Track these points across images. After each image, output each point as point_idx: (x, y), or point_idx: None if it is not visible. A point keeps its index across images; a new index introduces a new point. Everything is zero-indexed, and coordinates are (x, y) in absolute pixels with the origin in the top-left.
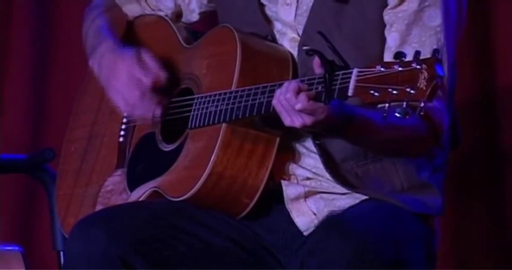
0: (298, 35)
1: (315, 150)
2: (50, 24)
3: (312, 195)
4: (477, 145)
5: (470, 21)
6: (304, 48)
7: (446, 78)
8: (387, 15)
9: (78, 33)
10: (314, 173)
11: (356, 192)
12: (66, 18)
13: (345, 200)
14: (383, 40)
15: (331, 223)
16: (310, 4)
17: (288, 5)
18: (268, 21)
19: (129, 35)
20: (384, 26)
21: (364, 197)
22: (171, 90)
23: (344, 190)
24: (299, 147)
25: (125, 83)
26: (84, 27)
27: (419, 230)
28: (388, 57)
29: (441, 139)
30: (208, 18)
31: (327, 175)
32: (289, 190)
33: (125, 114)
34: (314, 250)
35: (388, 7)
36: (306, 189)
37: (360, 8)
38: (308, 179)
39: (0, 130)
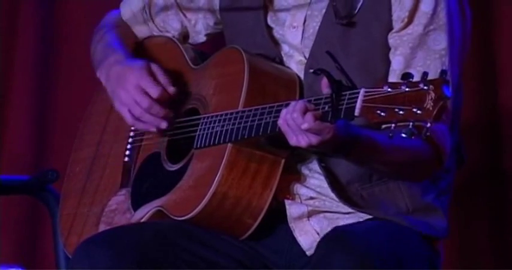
0: (305, 57)
1: (320, 171)
2: (54, 46)
3: (316, 215)
4: (481, 166)
5: (474, 43)
6: (311, 70)
7: (450, 101)
8: (392, 39)
9: (82, 55)
10: (318, 192)
11: (361, 211)
12: (70, 41)
13: (349, 219)
14: (389, 62)
15: (335, 237)
16: (317, 27)
17: (294, 27)
18: (275, 43)
19: (138, 54)
20: (389, 48)
21: (368, 217)
22: (178, 110)
23: (348, 209)
24: (303, 169)
25: (133, 94)
26: (93, 44)
27: (423, 251)
28: (392, 79)
29: (445, 162)
30: (215, 40)
31: (331, 194)
32: (292, 209)
33: (131, 125)
34: (318, 264)
35: (393, 30)
36: (310, 208)
37: (365, 31)
38: (312, 198)
39: (2, 150)
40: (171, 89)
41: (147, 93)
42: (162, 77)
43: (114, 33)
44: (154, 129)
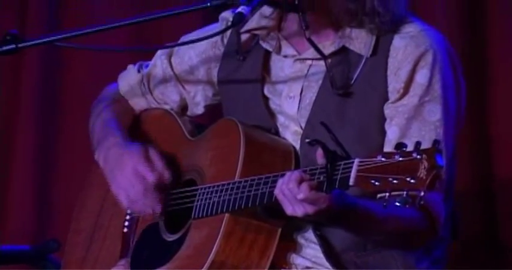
0: (301, 127)
1: (315, 241)
2: (54, 113)
3: None
4: (477, 235)
5: (468, 112)
6: (307, 140)
7: (444, 171)
8: (388, 109)
9: (82, 124)
10: (314, 262)
11: None
12: (74, 123)
13: None
14: (384, 132)
15: None
16: (313, 97)
17: (291, 98)
18: (271, 114)
19: (136, 128)
20: (385, 119)
21: None
22: (175, 182)
23: None
24: (299, 238)
25: (129, 178)
26: (91, 119)
27: None
28: (388, 149)
29: (439, 231)
30: (212, 111)
31: (326, 264)
32: None
33: (127, 209)
34: None
35: (389, 101)
36: None
37: (362, 101)
38: (308, 268)
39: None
40: (167, 176)
41: (143, 178)
42: (158, 163)
43: (111, 109)
44: (150, 212)
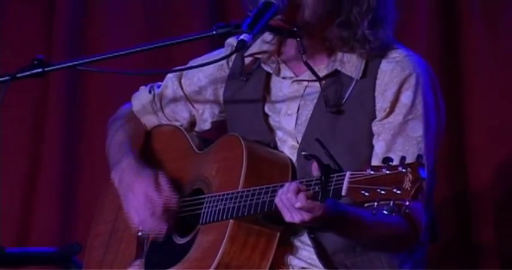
0: (297, 142)
1: (310, 244)
2: (79, 139)
3: None
4: (453, 239)
5: (447, 131)
6: (303, 153)
7: (425, 182)
8: (375, 126)
9: (101, 139)
10: (309, 263)
11: None
12: (94, 136)
13: None
14: (372, 147)
15: None
16: (309, 115)
17: (289, 115)
18: (271, 130)
19: (148, 143)
20: (373, 135)
21: None
22: (184, 190)
23: None
24: (296, 242)
25: (140, 201)
26: (108, 139)
27: None
28: (375, 162)
29: (420, 236)
30: (218, 127)
31: (320, 265)
32: None
33: (137, 227)
34: None
35: (377, 119)
36: None
37: (352, 119)
38: (303, 268)
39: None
40: (174, 200)
41: (152, 202)
42: (166, 188)
43: (126, 129)
44: (157, 232)
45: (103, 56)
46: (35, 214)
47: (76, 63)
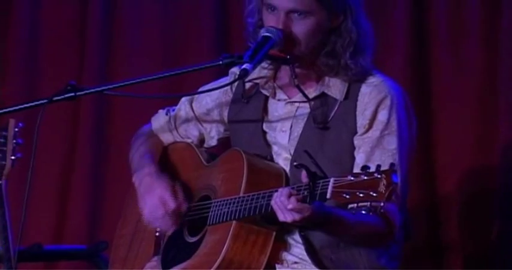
0: (290, 154)
1: (301, 241)
2: (107, 147)
3: None
4: (424, 239)
5: (418, 145)
6: (294, 163)
7: (399, 188)
8: (356, 140)
9: (126, 149)
10: (301, 258)
11: None
12: (119, 149)
13: None
14: (354, 158)
15: None
16: (300, 131)
17: (283, 131)
18: (268, 145)
19: (165, 157)
20: (354, 148)
21: None
22: (195, 196)
23: None
24: (289, 240)
25: (155, 202)
26: (131, 152)
27: None
28: (356, 171)
29: (395, 234)
30: (223, 143)
31: (310, 260)
32: None
33: (147, 222)
34: None
35: (357, 134)
36: None
37: (337, 134)
38: (296, 263)
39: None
40: (184, 206)
41: (165, 204)
42: (180, 195)
43: (147, 145)
44: (164, 230)
45: (126, 82)
46: (68, 216)
47: (103, 88)
